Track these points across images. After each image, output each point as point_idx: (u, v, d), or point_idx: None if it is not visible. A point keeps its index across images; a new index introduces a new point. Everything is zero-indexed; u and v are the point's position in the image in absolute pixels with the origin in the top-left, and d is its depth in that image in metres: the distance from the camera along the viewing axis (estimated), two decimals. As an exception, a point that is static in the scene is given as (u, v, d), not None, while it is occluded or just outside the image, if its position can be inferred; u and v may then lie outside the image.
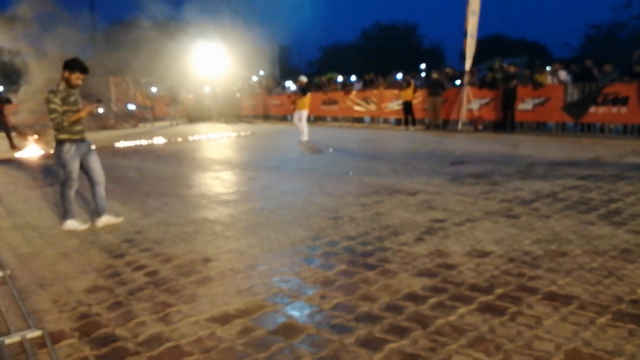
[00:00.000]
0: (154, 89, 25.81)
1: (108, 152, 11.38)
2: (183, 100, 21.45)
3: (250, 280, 3.42)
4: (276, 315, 2.87)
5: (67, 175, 4.75)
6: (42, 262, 3.95)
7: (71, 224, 4.84)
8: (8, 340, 2.66)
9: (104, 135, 12.87)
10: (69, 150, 4.69)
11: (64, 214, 4.89)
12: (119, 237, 4.56)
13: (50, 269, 3.77)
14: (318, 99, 19.19)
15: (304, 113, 12.40)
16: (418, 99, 15.27)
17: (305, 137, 12.33)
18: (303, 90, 12.46)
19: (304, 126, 12.38)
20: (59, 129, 4.61)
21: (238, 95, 23.50)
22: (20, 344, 2.64)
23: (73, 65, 4.57)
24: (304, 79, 13.23)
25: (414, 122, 15.47)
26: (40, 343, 2.65)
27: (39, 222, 5.25)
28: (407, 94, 15.20)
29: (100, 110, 18.34)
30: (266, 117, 21.95)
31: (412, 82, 15.45)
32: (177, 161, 9.67)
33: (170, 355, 2.48)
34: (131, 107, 20.31)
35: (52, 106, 4.55)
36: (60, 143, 4.68)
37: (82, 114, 4.66)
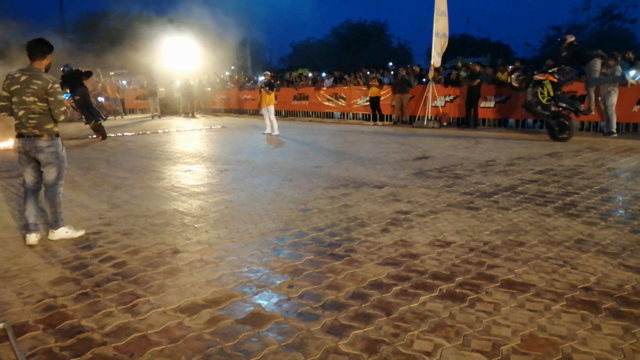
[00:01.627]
0: (124, 82, 25.32)
1: (76, 144, 11.11)
2: (160, 94, 21.11)
3: (219, 270, 3.44)
4: (244, 305, 2.91)
5: (64, 173, 4.25)
6: (5, 255, 3.87)
7: (66, 231, 4.25)
8: (-31, 334, 2.61)
9: (72, 127, 12.50)
10: (62, 144, 4.22)
11: (58, 221, 4.22)
12: (86, 229, 4.47)
13: (14, 262, 3.70)
14: (289, 95, 19.22)
15: (272, 108, 12.51)
16: (385, 95, 15.54)
17: (275, 132, 12.42)
18: (270, 85, 12.52)
19: (273, 121, 12.46)
20: (58, 121, 4.08)
21: (208, 89, 23.28)
22: (-18, 337, 2.60)
23: (51, 46, 4.11)
24: (269, 73, 13.37)
25: (381, 118, 15.72)
26: (2, 336, 2.61)
27: (2, 213, 5.12)
28: (374, 90, 15.47)
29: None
30: (238, 111, 21.83)
31: (378, 79, 15.72)
32: (148, 153, 9.52)
33: (137, 346, 2.48)
34: (100, 99, 19.83)
35: (60, 97, 4.06)
36: (56, 136, 4.13)
37: (68, 105, 4.24)
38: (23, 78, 3.98)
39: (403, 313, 2.76)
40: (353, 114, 17.38)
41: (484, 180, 6.32)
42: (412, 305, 2.85)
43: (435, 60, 14.01)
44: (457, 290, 3.04)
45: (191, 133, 13.87)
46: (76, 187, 6.42)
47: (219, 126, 15.72)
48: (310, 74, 22.74)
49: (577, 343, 2.42)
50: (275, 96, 12.83)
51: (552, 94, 9.94)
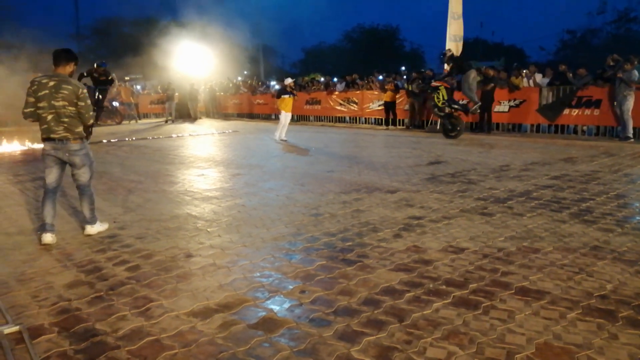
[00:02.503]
0: (138, 87, 25.64)
1: (91, 148, 11.22)
2: (176, 98, 21.35)
3: (231, 275, 3.45)
4: (257, 310, 2.92)
5: (94, 172, 4.58)
6: (21, 258, 3.92)
7: (100, 224, 4.59)
8: (-15, 336, 2.65)
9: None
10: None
11: (95, 217, 4.55)
12: (100, 232, 4.53)
13: (29, 264, 3.75)
14: (301, 99, 19.27)
15: (289, 115, 12.40)
16: (400, 99, 15.51)
17: (284, 137, 12.35)
18: (281, 92, 12.44)
19: (286, 126, 12.37)
20: (87, 124, 4.35)
21: (220, 94, 23.46)
22: (-2, 339, 2.63)
23: (76, 56, 4.35)
24: (287, 80, 12.92)
25: (394, 123, 15.70)
26: (18, 338, 2.64)
27: (19, 217, 5.19)
28: (389, 94, 15.47)
29: None
30: (250, 115, 21.96)
31: (394, 83, 15.69)
32: (161, 158, 9.59)
33: (150, 350, 2.50)
34: (115, 103, 20.09)
35: (89, 102, 4.31)
36: (83, 139, 4.37)
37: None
38: (51, 83, 4.10)
39: (416, 320, 2.74)
40: (365, 118, 17.37)
41: (498, 185, 6.27)
42: (425, 312, 2.83)
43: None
44: (471, 297, 3.01)
45: (204, 137, 13.96)
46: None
47: (231, 130, 15.80)
48: (322, 79, 22.80)
49: (593, 352, 2.39)
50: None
51: (446, 97, 11.74)
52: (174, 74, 22.65)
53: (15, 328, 2.73)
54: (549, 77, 12.88)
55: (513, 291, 3.09)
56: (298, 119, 19.51)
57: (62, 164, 4.32)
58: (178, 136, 14.27)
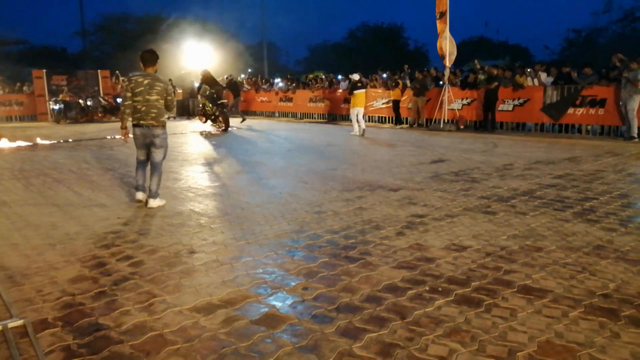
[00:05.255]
0: None
1: (95, 145, 11.28)
2: (177, 95, 21.41)
3: (234, 271, 3.47)
4: (259, 306, 2.93)
5: (167, 155, 5.45)
6: (26, 252, 3.94)
7: (160, 199, 5.46)
8: (-10, 329, 2.66)
9: (92, 127, 12.66)
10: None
11: (158, 193, 5.37)
12: (104, 228, 4.56)
13: (34, 259, 3.77)
14: (305, 97, 19.31)
15: (360, 110, 12.47)
16: (405, 97, 15.49)
17: (357, 132, 12.37)
18: (353, 87, 12.50)
19: (362, 121, 12.44)
20: (170, 111, 5.17)
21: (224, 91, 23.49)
22: (2, 333, 2.64)
23: (158, 55, 5.21)
24: (355, 76, 12.90)
25: (399, 121, 15.69)
26: (22, 332, 2.66)
27: (24, 212, 5.21)
28: (396, 93, 15.45)
29: (89, 102, 18.73)
30: (254, 113, 21.97)
31: (401, 82, 15.67)
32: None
33: (153, 344, 2.51)
34: (119, 100, 20.18)
35: (174, 95, 5.32)
36: (165, 126, 5.25)
37: None
38: (146, 81, 5.06)
39: (418, 317, 2.75)
40: (369, 116, 17.35)
41: (501, 184, 6.26)
42: (427, 310, 2.84)
43: (446, 60, 13.88)
44: (473, 295, 3.02)
45: (207, 134, 13.96)
46: (95, 187, 6.53)
47: (234, 128, 15.80)
48: (324, 77, 22.75)
49: (595, 351, 2.39)
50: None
51: (210, 104, 14.86)
52: (177, 72, 22.68)
53: (20, 322, 2.75)
54: (553, 76, 12.83)
55: (515, 289, 3.09)
56: (302, 116, 19.52)
57: (147, 145, 5.24)
58: (182, 133, 14.29)
